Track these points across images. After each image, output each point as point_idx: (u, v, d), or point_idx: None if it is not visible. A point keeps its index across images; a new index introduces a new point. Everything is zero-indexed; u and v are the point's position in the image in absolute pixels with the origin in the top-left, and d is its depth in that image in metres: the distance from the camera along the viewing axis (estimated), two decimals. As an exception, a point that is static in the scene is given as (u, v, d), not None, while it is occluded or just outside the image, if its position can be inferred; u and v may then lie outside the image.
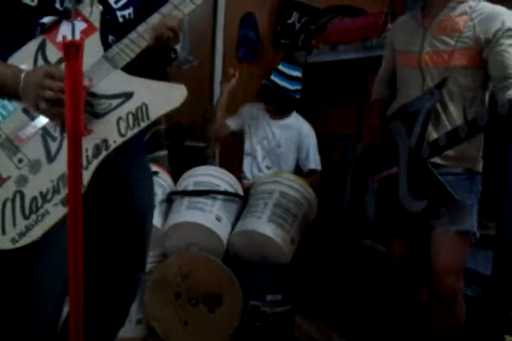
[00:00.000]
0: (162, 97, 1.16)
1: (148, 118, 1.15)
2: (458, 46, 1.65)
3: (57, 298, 1.23)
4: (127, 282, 1.42)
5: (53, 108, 1.10)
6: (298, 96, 2.83)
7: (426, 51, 1.71)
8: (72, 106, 0.91)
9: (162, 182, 2.42)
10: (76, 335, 0.89)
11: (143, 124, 1.15)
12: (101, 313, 1.37)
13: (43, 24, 1.18)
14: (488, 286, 1.94)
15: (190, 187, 2.38)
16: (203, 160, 3.12)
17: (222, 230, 2.22)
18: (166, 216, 2.31)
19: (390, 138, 1.81)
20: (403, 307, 2.01)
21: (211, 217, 2.22)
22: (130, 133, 1.15)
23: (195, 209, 2.24)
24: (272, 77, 2.82)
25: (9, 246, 1.14)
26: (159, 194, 2.35)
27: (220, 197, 2.34)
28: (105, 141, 1.15)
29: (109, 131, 1.16)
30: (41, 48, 1.19)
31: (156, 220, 2.19)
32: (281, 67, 2.84)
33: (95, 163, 1.15)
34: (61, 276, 1.14)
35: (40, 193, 1.14)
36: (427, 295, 1.86)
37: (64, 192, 1.12)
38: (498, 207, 1.89)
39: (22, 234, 1.14)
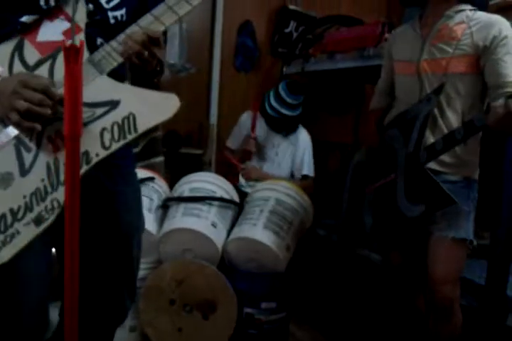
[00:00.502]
0: (152, 107, 1.05)
1: (135, 130, 1.04)
2: (456, 53, 1.67)
3: (39, 302, 1.17)
4: (116, 301, 1.35)
5: (25, 121, 1.01)
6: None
7: (424, 59, 1.73)
8: (71, 110, 0.90)
9: (158, 188, 2.42)
10: None
11: (129, 137, 1.04)
12: (90, 333, 1.29)
13: (23, 23, 1.09)
14: (482, 296, 1.94)
15: (186, 194, 2.37)
16: (199, 167, 3.13)
17: (218, 237, 2.21)
18: (161, 222, 2.30)
19: (388, 147, 1.82)
20: (399, 316, 2.01)
21: (207, 224, 2.22)
22: (115, 146, 1.04)
23: (191, 216, 2.23)
24: (279, 109, 2.81)
25: None
26: (155, 200, 2.35)
27: (216, 203, 2.34)
28: (86, 154, 1.03)
29: (91, 143, 1.04)
30: (18, 49, 1.09)
31: (152, 226, 2.18)
32: (286, 98, 2.82)
33: None
34: (40, 279, 1.11)
35: (11, 210, 1.04)
36: (424, 304, 1.86)
37: (37, 209, 1.02)
38: (493, 215, 1.90)
39: None
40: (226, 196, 2.42)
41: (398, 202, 1.70)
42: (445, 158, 1.66)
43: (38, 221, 1.03)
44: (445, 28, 1.71)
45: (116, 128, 1.04)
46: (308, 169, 2.88)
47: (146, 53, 1.05)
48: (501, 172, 1.89)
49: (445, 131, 1.68)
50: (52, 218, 1.04)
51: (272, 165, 2.89)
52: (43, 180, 1.04)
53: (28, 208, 1.03)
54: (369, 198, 1.88)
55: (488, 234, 2.03)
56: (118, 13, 1.19)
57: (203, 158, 3.22)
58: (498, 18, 1.66)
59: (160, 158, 2.85)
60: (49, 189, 1.04)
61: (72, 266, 0.89)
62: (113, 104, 1.06)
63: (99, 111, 1.06)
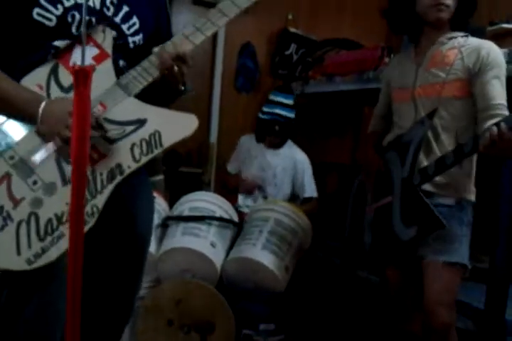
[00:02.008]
0: (174, 125, 1.19)
1: (161, 145, 1.18)
2: (449, 78, 1.71)
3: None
4: (123, 303, 1.43)
5: (66, 145, 1.11)
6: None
7: (419, 85, 1.78)
8: (79, 134, 0.91)
9: (157, 207, 2.42)
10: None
11: (156, 151, 1.18)
12: (97, 332, 1.36)
13: (57, 47, 1.20)
14: (481, 319, 1.94)
15: (186, 213, 2.38)
16: (198, 186, 3.14)
17: (217, 256, 2.21)
18: (160, 241, 2.30)
19: (386, 169, 1.85)
20: (396, 339, 2.00)
21: (206, 243, 2.22)
22: (144, 160, 1.18)
23: (190, 235, 2.24)
24: (271, 109, 2.87)
25: (25, 267, 1.14)
26: (155, 219, 2.35)
27: (215, 223, 2.35)
28: (119, 166, 1.18)
29: (124, 157, 1.18)
30: (54, 72, 1.21)
31: (151, 245, 2.18)
32: (277, 97, 2.90)
33: (110, 187, 1.17)
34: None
35: (55, 215, 1.15)
36: (420, 326, 1.86)
37: None
38: (491, 239, 1.91)
39: (38, 256, 1.14)
40: (225, 216, 2.43)
41: (394, 224, 1.72)
42: (439, 179, 1.68)
43: None
44: (438, 54, 1.76)
45: (144, 143, 1.19)
46: (310, 191, 2.90)
47: (176, 69, 1.18)
48: (498, 196, 1.91)
49: (438, 154, 1.71)
50: (92, 221, 1.16)
51: (271, 188, 2.89)
52: None
53: None
54: (368, 219, 1.90)
55: (487, 258, 2.03)
56: (136, 38, 1.31)
57: (202, 178, 3.23)
58: (487, 43, 1.72)
59: (160, 177, 2.86)
60: (88, 197, 1.16)
61: (75, 260, 0.91)
62: (140, 123, 1.20)
63: (129, 128, 1.20)
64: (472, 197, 1.77)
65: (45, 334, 1.23)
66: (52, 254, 1.14)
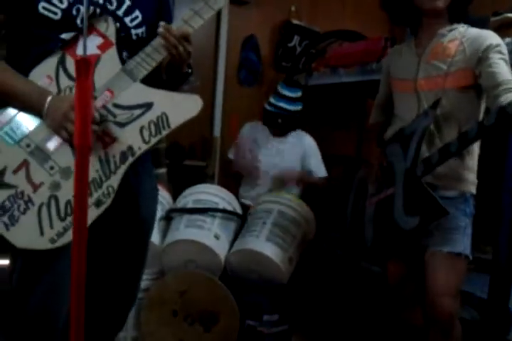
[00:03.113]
0: (180, 107, 1.25)
1: (169, 126, 1.25)
2: (451, 70, 1.71)
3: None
4: (129, 287, 1.47)
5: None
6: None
7: (420, 77, 1.77)
8: (81, 122, 0.93)
9: (161, 200, 2.43)
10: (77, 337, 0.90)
11: (164, 132, 1.25)
12: (101, 316, 1.40)
13: (63, 39, 1.24)
14: (485, 309, 1.94)
15: (190, 205, 2.39)
16: (202, 179, 3.15)
17: (221, 248, 2.22)
18: (164, 233, 2.31)
19: (388, 161, 1.85)
20: (399, 330, 2.01)
21: (209, 235, 2.23)
22: (153, 140, 1.25)
23: (194, 227, 2.25)
24: (276, 102, 2.88)
25: (49, 246, 1.20)
26: (158, 211, 2.35)
27: (219, 215, 2.35)
28: (131, 148, 1.24)
29: (134, 139, 1.25)
30: (61, 62, 1.25)
31: (155, 237, 2.19)
32: (283, 91, 2.90)
33: (123, 168, 1.24)
34: None
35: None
36: (421, 318, 1.86)
37: (96, 195, 1.22)
38: (494, 230, 1.91)
39: (60, 235, 1.20)
40: (229, 208, 2.44)
41: (395, 214, 1.72)
42: (440, 170, 1.68)
43: (97, 204, 1.22)
44: (439, 46, 1.75)
45: (152, 125, 1.25)
46: (322, 171, 2.95)
47: (182, 48, 1.22)
48: (501, 187, 1.90)
49: (440, 145, 1.70)
50: (109, 201, 1.23)
51: (281, 159, 2.91)
52: (97, 171, 1.23)
53: (88, 194, 1.17)
54: (369, 212, 1.90)
55: (491, 249, 2.03)
56: (139, 31, 1.35)
57: (206, 171, 3.24)
58: (488, 32, 1.72)
59: (163, 170, 2.87)
60: (103, 178, 1.24)
61: (79, 251, 0.92)
62: (147, 106, 1.25)
63: (137, 112, 1.25)
64: (473, 190, 1.77)
65: (54, 312, 1.27)
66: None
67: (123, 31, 1.31)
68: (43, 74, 1.25)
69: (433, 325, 1.74)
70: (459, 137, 1.56)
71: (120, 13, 1.31)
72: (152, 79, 1.28)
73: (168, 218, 2.39)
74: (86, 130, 0.93)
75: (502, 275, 1.88)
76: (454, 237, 1.69)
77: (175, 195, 2.59)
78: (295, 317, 2.32)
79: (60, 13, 1.24)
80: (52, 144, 1.24)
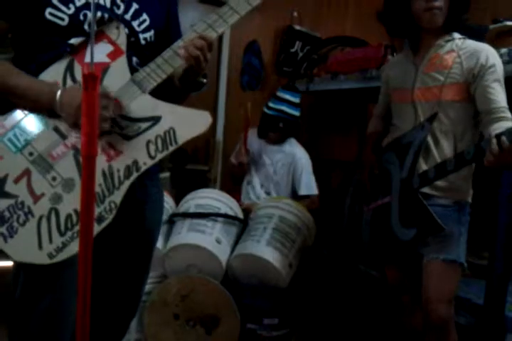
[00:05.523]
0: (188, 123, 1.21)
1: (176, 142, 1.19)
2: (447, 82, 1.74)
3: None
4: (132, 295, 1.47)
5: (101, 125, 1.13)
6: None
7: (417, 87, 1.80)
8: (88, 135, 0.93)
9: (164, 204, 2.46)
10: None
11: (171, 148, 1.20)
12: (104, 324, 1.40)
13: (71, 45, 1.21)
14: (481, 315, 1.97)
15: (192, 210, 2.42)
16: (204, 183, 3.18)
17: (222, 252, 2.25)
18: (167, 237, 2.35)
19: (384, 169, 1.88)
20: (398, 333, 2.04)
21: (211, 240, 2.26)
22: (159, 156, 1.20)
23: (196, 231, 2.28)
24: (277, 105, 2.88)
25: (47, 261, 1.16)
26: (161, 215, 2.39)
27: (221, 219, 2.39)
28: (136, 163, 1.19)
29: (139, 153, 1.20)
30: (69, 68, 1.21)
31: (157, 241, 2.23)
32: (284, 95, 2.91)
33: (127, 183, 1.19)
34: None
35: (75, 211, 1.16)
36: (421, 321, 1.89)
37: (98, 210, 1.17)
38: (490, 236, 1.94)
39: (59, 250, 1.16)
40: (231, 213, 2.47)
41: (392, 224, 1.76)
42: (437, 182, 1.72)
43: (99, 220, 1.17)
44: (436, 57, 1.78)
45: (159, 140, 1.20)
46: (306, 189, 2.87)
47: (203, 58, 1.19)
48: (497, 193, 1.93)
49: (437, 157, 1.74)
50: (111, 217, 1.18)
51: (272, 184, 2.90)
52: (100, 185, 1.18)
53: None
54: (366, 217, 1.94)
55: (488, 254, 2.06)
56: (147, 35, 1.32)
57: (208, 175, 3.27)
58: (484, 46, 1.74)
59: (165, 174, 2.90)
60: (106, 192, 1.18)
61: (85, 255, 0.94)
62: (155, 120, 1.21)
63: (144, 125, 1.20)
64: (469, 199, 1.80)
65: (57, 329, 1.25)
66: (73, 248, 1.16)
67: (131, 36, 1.28)
68: (51, 79, 1.21)
69: (429, 331, 1.78)
70: (457, 156, 1.59)
71: (128, 17, 1.29)
72: (162, 89, 1.25)
73: (170, 222, 2.43)
74: (92, 145, 0.91)
75: (498, 282, 1.91)
76: (448, 245, 1.73)
77: (178, 198, 2.62)
78: (295, 321, 2.35)
79: (67, 19, 1.21)
80: (55, 153, 1.20)
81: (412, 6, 1.74)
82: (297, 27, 3.52)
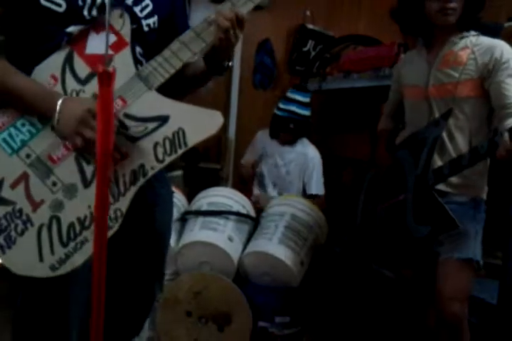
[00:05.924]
0: (199, 123, 1.09)
1: (185, 144, 1.09)
2: (462, 78, 1.73)
3: (80, 326, 1.21)
4: (144, 298, 1.44)
5: (89, 147, 1.04)
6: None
7: (432, 84, 1.79)
8: (103, 133, 0.94)
9: (177, 202, 2.48)
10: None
11: (180, 151, 1.09)
12: (118, 326, 1.38)
13: (70, 34, 1.11)
14: (494, 315, 1.96)
15: (204, 208, 2.43)
16: (216, 181, 3.19)
17: (234, 250, 2.26)
18: (179, 235, 2.36)
19: (398, 166, 1.88)
20: (411, 332, 2.04)
21: (223, 237, 2.27)
22: (168, 160, 1.09)
23: (208, 229, 2.29)
24: (286, 106, 2.89)
25: (50, 273, 1.08)
26: (174, 213, 2.40)
27: (233, 217, 2.40)
28: (142, 167, 1.09)
29: (146, 157, 1.09)
30: (68, 61, 1.12)
31: (170, 239, 2.24)
32: (294, 95, 2.92)
33: (133, 189, 1.09)
34: (83, 305, 1.11)
35: (78, 219, 1.08)
36: (434, 320, 1.89)
37: None
38: (504, 236, 1.92)
39: (62, 262, 1.08)
40: (243, 211, 2.48)
41: (408, 221, 1.75)
42: (452, 178, 1.71)
43: None
44: (450, 54, 1.77)
45: (167, 142, 1.09)
46: (316, 188, 2.91)
47: (232, 32, 1.09)
48: (511, 192, 1.92)
49: (452, 153, 1.73)
50: (116, 226, 1.09)
51: (285, 184, 2.92)
52: None
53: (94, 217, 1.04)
54: (380, 216, 1.93)
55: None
56: (151, 21, 1.22)
57: (220, 173, 3.28)
58: (499, 42, 1.73)
59: (178, 172, 2.92)
60: (111, 200, 1.07)
61: (100, 256, 0.95)
62: (163, 119, 1.09)
63: (151, 126, 1.09)
64: (484, 196, 1.79)
65: (61, 335, 1.19)
66: (77, 260, 1.08)
67: (133, 23, 1.15)
68: (47, 73, 1.11)
69: (442, 329, 1.77)
70: (471, 151, 1.60)
71: (129, 2, 1.18)
72: (184, 71, 1.15)
73: (183, 220, 2.44)
74: (108, 144, 0.92)
75: (511, 282, 1.89)
76: (464, 243, 1.72)
77: (190, 196, 2.63)
78: (306, 319, 2.35)
79: (64, 5, 1.10)
80: (55, 155, 1.10)
81: (426, 5, 1.74)
82: (310, 26, 3.52)
